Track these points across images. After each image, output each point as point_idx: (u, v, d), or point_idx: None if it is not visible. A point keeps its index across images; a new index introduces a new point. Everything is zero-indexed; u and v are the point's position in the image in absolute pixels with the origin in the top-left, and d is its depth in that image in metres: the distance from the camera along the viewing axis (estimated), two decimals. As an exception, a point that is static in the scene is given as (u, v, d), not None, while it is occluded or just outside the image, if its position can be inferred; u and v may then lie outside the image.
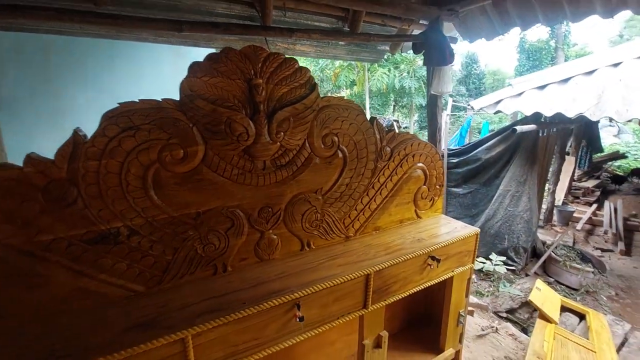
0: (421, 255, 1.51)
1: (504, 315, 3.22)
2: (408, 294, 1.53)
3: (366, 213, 1.63)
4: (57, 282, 1.02)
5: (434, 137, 2.76)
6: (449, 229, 1.75)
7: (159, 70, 4.27)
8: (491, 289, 3.86)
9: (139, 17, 1.55)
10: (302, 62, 12.87)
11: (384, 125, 1.61)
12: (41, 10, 1.22)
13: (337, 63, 11.84)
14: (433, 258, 1.54)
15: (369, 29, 2.67)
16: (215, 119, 1.17)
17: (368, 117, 1.53)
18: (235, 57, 1.17)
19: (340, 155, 1.49)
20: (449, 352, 1.86)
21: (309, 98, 1.34)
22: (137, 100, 1.06)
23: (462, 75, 19.21)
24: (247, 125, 1.22)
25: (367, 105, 10.94)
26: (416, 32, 2.77)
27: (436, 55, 2.38)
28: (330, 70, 13.03)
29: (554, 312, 2.61)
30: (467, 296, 1.85)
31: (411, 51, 2.76)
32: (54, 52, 3.78)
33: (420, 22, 2.76)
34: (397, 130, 1.67)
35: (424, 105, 11.98)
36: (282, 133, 1.30)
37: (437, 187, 1.90)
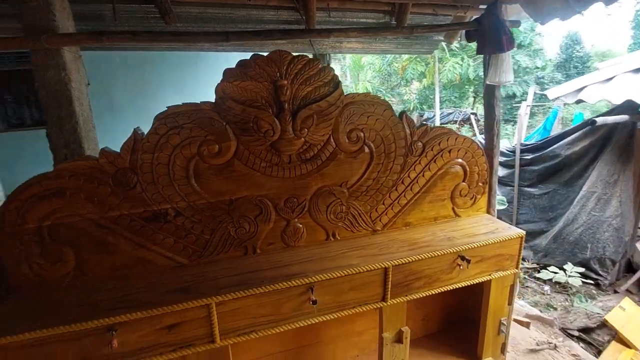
0: (448, 254, 1.47)
1: (576, 334, 2.82)
2: (435, 292, 1.50)
3: (395, 208, 1.63)
4: (122, 251, 1.29)
5: (491, 130, 2.55)
6: (489, 230, 1.65)
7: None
8: (566, 303, 3.40)
9: (194, 32, 1.81)
10: (370, 58, 12.77)
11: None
12: (119, 34, 1.53)
13: (405, 56, 11.38)
14: (463, 258, 1.48)
15: (420, 20, 2.58)
16: (245, 118, 1.32)
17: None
18: (262, 61, 1.30)
19: (367, 150, 1.52)
20: (487, 360, 1.75)
21: (333, 95, 1.41)
22: (181, 104, 1.26)
23: (561, 59, 16.60)
24: (273, 123, 1.35)
25: (437, 98, 10.29)
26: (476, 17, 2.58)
27: (491, 41, 2.19)
28: (398, 64, 12.62)
29: (637, 336, 2.21)
30: (510, 304, 1.72)
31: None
32: (149, 63, 4.62)
33: (480, 7, 2.56)
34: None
35: (504, 96, 10.83)
36: (306, 129, 1.40)
37: (480, 184, 1.79)
